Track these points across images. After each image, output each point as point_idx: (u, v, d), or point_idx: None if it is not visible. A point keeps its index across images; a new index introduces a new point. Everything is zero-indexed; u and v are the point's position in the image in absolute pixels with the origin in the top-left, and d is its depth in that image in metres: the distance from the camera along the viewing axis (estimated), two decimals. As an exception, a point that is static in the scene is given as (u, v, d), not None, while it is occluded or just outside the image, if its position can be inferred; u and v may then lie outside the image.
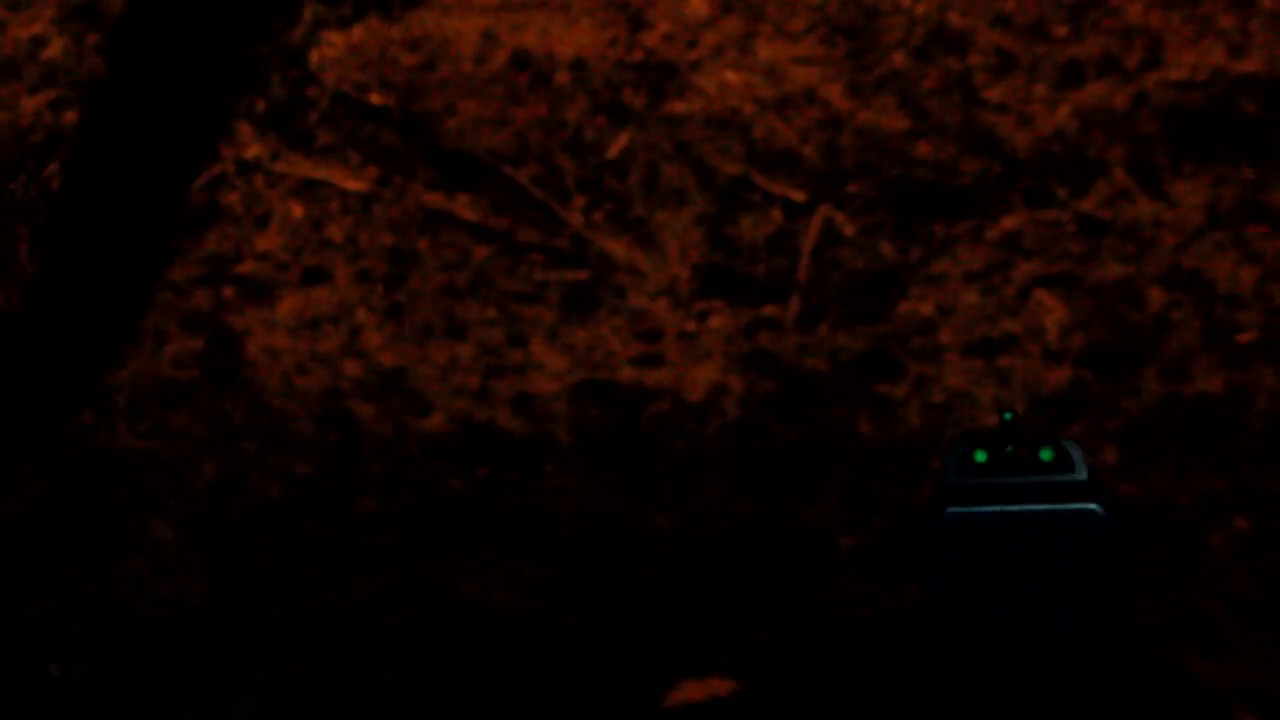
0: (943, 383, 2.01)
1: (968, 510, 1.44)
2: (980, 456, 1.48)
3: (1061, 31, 2.04)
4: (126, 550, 2.05)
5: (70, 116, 2.12)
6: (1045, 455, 1.48)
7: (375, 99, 2.09)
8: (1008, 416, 1.47)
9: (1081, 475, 1.47)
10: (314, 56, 2.11)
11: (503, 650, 1.96)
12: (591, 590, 1.99)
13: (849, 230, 2.04)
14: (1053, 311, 2.01)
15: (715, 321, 2.04)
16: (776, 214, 2.05)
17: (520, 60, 2.08)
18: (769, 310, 2.04)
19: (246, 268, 2.09)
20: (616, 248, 2.05)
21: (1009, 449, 1.45)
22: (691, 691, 1.93)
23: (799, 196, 2.05)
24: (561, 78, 2.08)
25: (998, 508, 1.45)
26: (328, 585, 2.02)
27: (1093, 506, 1.45)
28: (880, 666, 1.83)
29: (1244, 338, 1.99)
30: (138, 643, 1.99)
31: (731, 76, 2.06)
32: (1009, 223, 2.03)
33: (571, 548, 2.01)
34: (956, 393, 2.00)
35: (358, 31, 2.10)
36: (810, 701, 1.88)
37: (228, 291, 2.09)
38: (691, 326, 2.04)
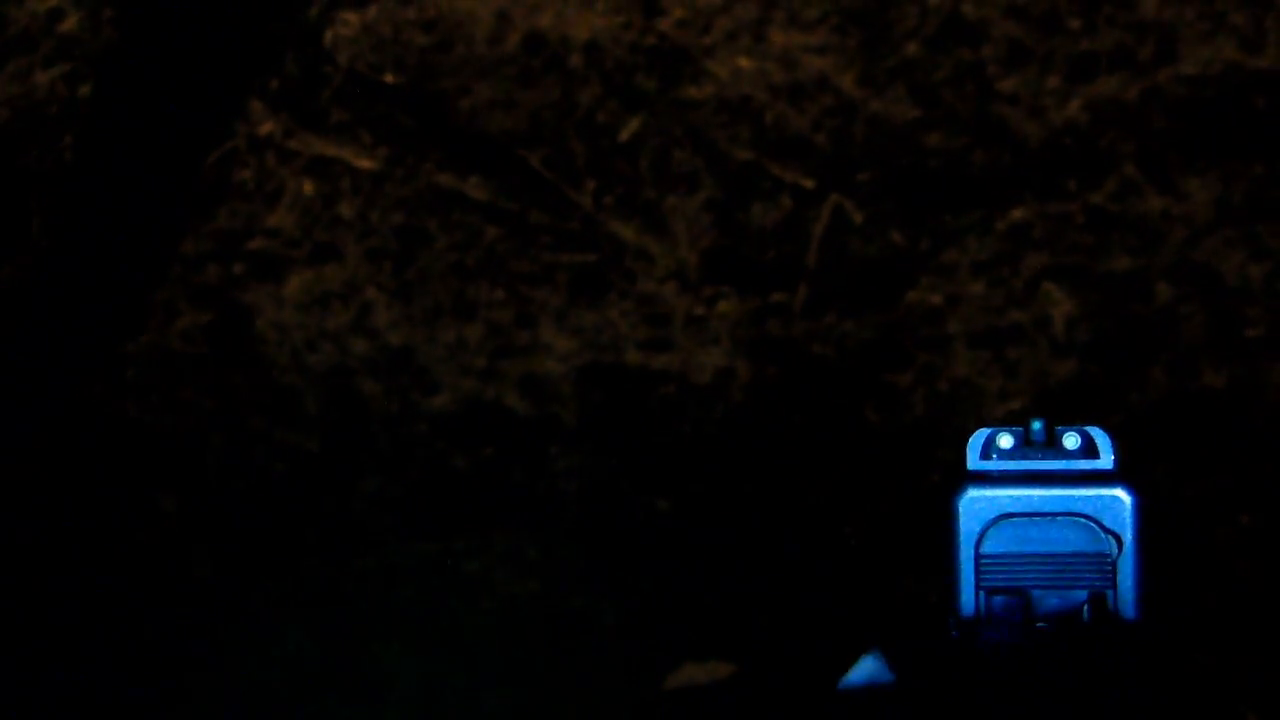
0: (949, 372, 2.01)
1: (987, 494, 1.42)
2: (1003, 441, 1.46)
3: (1075, 24, 2.05)
4: (133, 522, 2.06)
5: (85, 91, 2.12)
6: (1070, 441, 1.46)
7: (389, 79, 2.10)
8: (1037, 424, 1.45)
9: (1107, 461, 1.45)
10: (328, 35, 2.11)
11: (504, 630, 1.96)
12: (594, 571, 1.99)
13: (858, 218, 2.04)
14: (1060, 304, 2.01)
15: (723, 306, 2.05)
16: (786, 201, 2.05)
17: (534, 42, 2.09)
18: (777, 296, 2.04)
19: (257, 244, 2.10)
20: (626, 231, 2.06)
21: (1032, 431, 1.44)
22: (692, 674, 1.93)
23: (809, 184, 2.05)
24: (575, 61, 2.08)
25: (1018, 491, 1.43)
26: (332, 561, 2.02)
27: (1118, 492, 1.43)
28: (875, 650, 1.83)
29: (1251, 333, 2.00)
30: (142, 616, 2.00)
31: (744, 63, 2.07)
32: (1018, 214, 2.03)
33: (575, 529, 2.01)
34: (963, 382, 2.01)
35: (372, 11, 2.11)
36: (809, 685, 1.88)
37: (238, 267, 2.09)
38: (699, 311, 2.04)
